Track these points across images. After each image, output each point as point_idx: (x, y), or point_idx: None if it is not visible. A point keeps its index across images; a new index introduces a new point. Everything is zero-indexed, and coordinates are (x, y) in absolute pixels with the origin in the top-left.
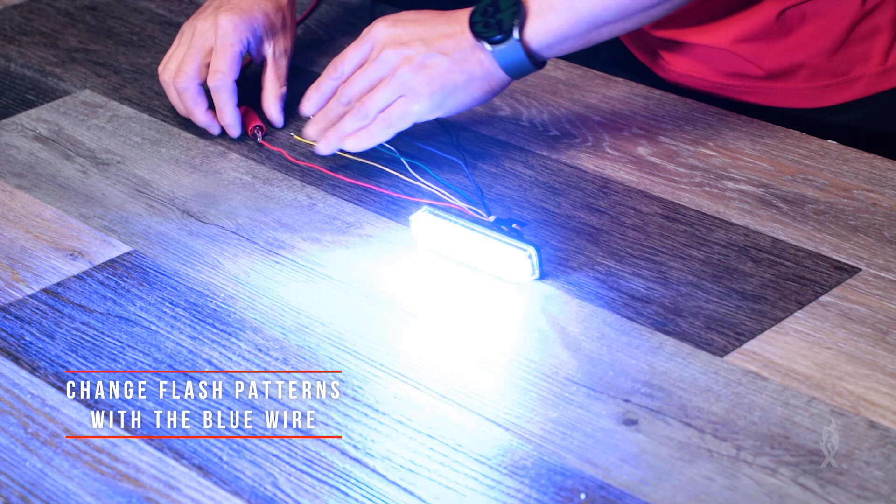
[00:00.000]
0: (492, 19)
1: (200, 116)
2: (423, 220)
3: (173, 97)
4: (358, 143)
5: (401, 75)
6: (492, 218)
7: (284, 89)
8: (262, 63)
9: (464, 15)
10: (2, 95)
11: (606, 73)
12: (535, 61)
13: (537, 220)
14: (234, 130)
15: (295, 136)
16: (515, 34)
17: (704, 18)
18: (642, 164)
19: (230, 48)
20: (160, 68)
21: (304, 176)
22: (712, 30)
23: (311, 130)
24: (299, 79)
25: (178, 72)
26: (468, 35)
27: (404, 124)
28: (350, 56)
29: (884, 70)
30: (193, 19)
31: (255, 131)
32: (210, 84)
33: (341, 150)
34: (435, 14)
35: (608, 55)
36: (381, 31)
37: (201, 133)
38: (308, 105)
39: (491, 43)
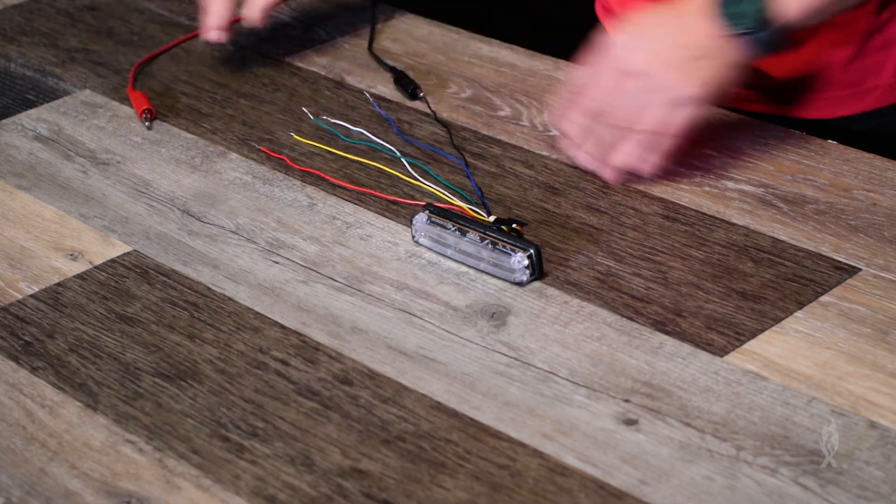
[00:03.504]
0: (742, 9)
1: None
2: (423, 220)
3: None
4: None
5: (671, 88)
6: (492, 218)
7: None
8: None
9: (706, 4)
10: (2, 95)
11: None
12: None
13: (537, 220)
14: (212, 34)
15: (295, 137)
16: (770, 23)
17: None
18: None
19: None
20: None
21: (304, 176)
22: None
23: (580, 157)
24: (298, 78)
25: None
26: (719, 27)
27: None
28: (600, 79)
29: None
30: None
31: (145, 115)
32: None
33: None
34: (672, 10)
35: None
36: (624, 41)
37: (201, 133)
38: (568, 130)
39: (745, 34)
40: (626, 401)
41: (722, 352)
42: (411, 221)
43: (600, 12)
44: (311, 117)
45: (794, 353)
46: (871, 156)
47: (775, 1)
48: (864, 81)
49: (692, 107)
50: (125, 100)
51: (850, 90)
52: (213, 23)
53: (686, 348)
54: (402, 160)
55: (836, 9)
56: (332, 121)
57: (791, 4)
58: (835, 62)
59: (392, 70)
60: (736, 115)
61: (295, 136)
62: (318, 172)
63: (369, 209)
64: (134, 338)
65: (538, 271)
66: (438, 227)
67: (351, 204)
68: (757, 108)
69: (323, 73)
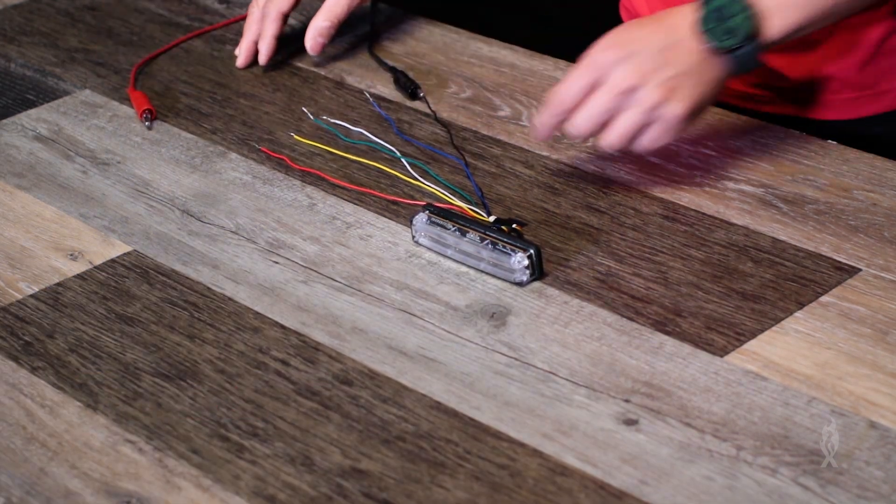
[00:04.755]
0: (725, 25)
1: (246, 38)
2: (423, 220)
3: (249, 20)
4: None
5: (651, 104)
6: (492, 218)
7: (327, 24)
8: None
9: (686, 20)
10: (2, 95)
11: None
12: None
13: (537, 220)
14: (261, 56)
15: (295, 137)
16: (756, 41)
17: None
18: (642, 164)
19: None
20: None
21: (304, 176)
22: None
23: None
24: (298, 78)
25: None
26: (700, 43)
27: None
28: (576, 84)
29: None
30: None
31: (145, 115)
32: (264, 10)
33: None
34: (654, 25)
35: None
36: (609, 57)
37: (201, 133)
38: (541, 133)
39: (728, 51)
40: (626, 401)
41: (722, 352)
42: (411, 221)
43: (624, 15)
44: (311, 117)
45: (794, 353)
46: (871, 156)
47: (760, 18)
48: (879, 84)
49: (676, 124)
50: (125, 100)
51: (865, 92)
52: (245, 48)
53: (686, 348)
54: (402, 160)
55: (819, 25)
56: (332, 121)
57: (774, 22)
58: (850, 64)
59: (392, 70)
60: (736, 114)
61: (295, 136)
62: (318, 172)
63: (369, 209)
64: (134, 338)
65: (538, 271)
66: (438, 227)
67: (351, 204)
68: (771, 109)
69: (323, 73)
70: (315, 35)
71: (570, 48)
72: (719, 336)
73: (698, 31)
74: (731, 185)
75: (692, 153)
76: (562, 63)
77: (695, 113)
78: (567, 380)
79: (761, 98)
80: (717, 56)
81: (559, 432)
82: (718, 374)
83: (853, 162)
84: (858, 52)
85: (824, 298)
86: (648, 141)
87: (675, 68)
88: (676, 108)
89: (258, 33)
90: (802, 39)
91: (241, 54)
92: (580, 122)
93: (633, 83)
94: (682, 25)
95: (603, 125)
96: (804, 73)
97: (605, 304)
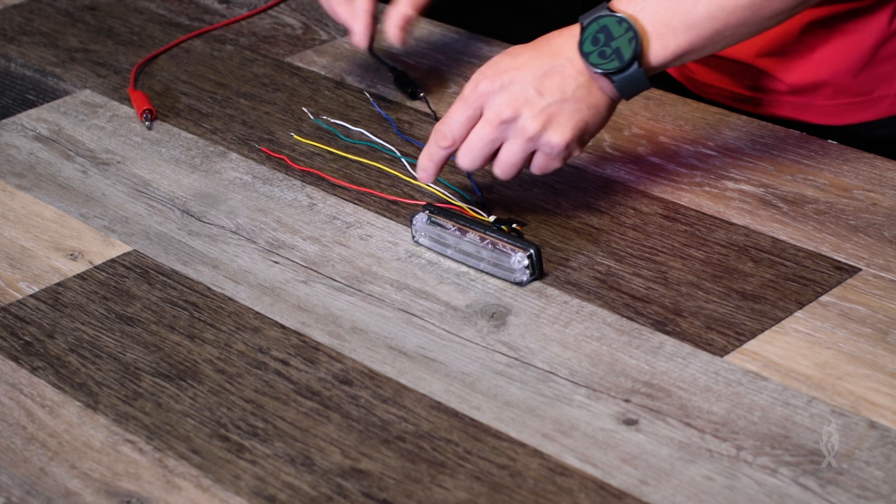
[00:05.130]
0: (607, 48)
1: (343, 16)
2: (423, 220)
3: (323, 4)
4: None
5: (531, 134)
6: (492, 218)
7: (412, 12)
8: None
9: (567, 44)
10: (2, 95)
11: None
12: (651, 77)
13: (537, 220)
14: (358, 38)
15: (295, 136)
16: (637, 64)
17: None
18: (642, 164)
19: None
20: None
21: (304, 176)
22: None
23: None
24: (298, 78)
25: None
26: (580, 66)
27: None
28: (458, 119)
29: None
30: None
31: (145, 115)
32: None
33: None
34: (532, 52)
35: None
36: (486, 87)
37: (201, 133)
38: (425, 175)
39: (611, 74)
40: (626, 401)
41: (722, 352)
42: (411, 221)
43: None
44: (311, 117)
45: (794, 353)
46: (872, 156)
47: (644, 41)
48: (876, 89)
49: (559, 152)
50: (125, 100)
51: (862, 98)
52: (359, 30)
53: (686, 348)
54: (402, 160)
55: (708, 51)
56: (333, 121)
57: (658, 45)
58: (845, 70)
59: (392, 70)
60: (736, 114)
61: (295, 136)
62: (318, 172)
63: (369, 209)
64: (134, 338)
65: (538, 271)
66: (438, 227)
67: (351, 204)
68: (767, 111)
69: (323, 73)
70: (402, 24)
71: None
72: (719, 336)
73: (580, 55)
74: (731, 185)
75: (692, 153)
76: None
77: (580, 139)
78: (567, 380)
79: (757, 101)
80: (601, 80)
81: (559, 432)
82: (718, 374)
83: (853, 162)
84: (853, 59)
85: (824, 298)
86: (537, 168)
87: (554, 96)
88: (555, 137)
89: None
90: (797, 43)
91: (358, 32)
92: (466, 156)
93: (510, 114)
94: (564, 49)
95: (491, 155)
96: (799, 78)
97: (605, 304)
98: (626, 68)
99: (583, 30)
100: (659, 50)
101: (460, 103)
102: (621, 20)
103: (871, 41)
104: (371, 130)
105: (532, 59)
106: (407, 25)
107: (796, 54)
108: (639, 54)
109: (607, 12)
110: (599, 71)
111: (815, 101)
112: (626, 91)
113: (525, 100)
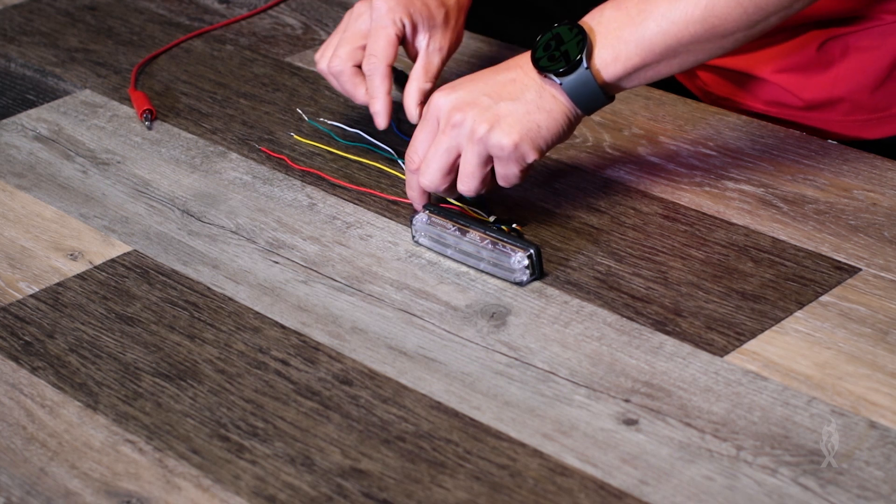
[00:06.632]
0: (556, 52)
1: (360, 98)
2: (423, 220)
3: (333, 83)
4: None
5: (480, 136)
6: (492, 218)
7: (430, 85)
8: (415, 56)
9: (524, 58)
10: (2, 95)
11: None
12: (609, 93)
13: (537, 220)
14: (380, 119)
15: (295, 136)
16: (584, 64)
17: (746, 46)
18: (642, 164)
19: (383, 30)
20: (317, 56)
21: (304, 176)
22: (753, 58)
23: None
24: (298, 78)
25: (332, 56)
26: (533, 74)
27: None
28: (420, 139)
29: None
30: (355, 5)
31: (145, 115)
32: (364, 68)
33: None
34: (491, 68)
35: None
36: (441, 100)
37: (201, 133)
38: (417, 205)
39: (558, 74)
40: (627, 401)
41: (722, 352)
42: (411, 221)
43: None
44: (306, 118)
45: (794, 353)
46: (872, 156)
47: (592, 45)
48: (893, 106)
49: (508, 154)
50: (125, 100)
51: (877, 115)
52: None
53: (686, 348)
54: (399, 162)
55: (666, 70)
56: (329, 122)
57: (606, 57)
58: (863, 86)
59: (392, 70)
60: (735, 114)
61: (295, 136)
62: (318, 172)
63: (369, 209)
64: (134, 338)
65: (538, 271)
66: (438, 227)
67: (351, 204)
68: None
69: None
70: (422, 100)
71: None
72: (719, 336)
73: (532, 62)
74: (731, 185)
75: (692, 153)
76: None
77: (532, 141)
78: (567, 380)
79: (773, 116)
80: (551, 85)
81: (559, 432)
82: (718, 373)
83: (853, 162)
84: (870, 76)
85: (824, 298)
86: (500, 179)
87: (503, 99)
88: (504, 138)
89: (360, 87)
90: (814, 60)
91: (380, 113)
92: (425, 172)
93: (459, 118)
94: (519, 62)
95: (450, 168)
96: (815, 95)
97: (605, 304)
98: (574, 70)
99: (537, 41)
100: (609, 59)
101: (420, 124)
102: (573, 27)
103: (888, 58)
104: (371, 131)
105: (487, 73)
106: (425, 100)
107: (813, 71)
108: (586, 56)
109: (564, 23)
110: (550, 75)
111: (831, 117)
112: (578, 96)
113: (475, 104)
